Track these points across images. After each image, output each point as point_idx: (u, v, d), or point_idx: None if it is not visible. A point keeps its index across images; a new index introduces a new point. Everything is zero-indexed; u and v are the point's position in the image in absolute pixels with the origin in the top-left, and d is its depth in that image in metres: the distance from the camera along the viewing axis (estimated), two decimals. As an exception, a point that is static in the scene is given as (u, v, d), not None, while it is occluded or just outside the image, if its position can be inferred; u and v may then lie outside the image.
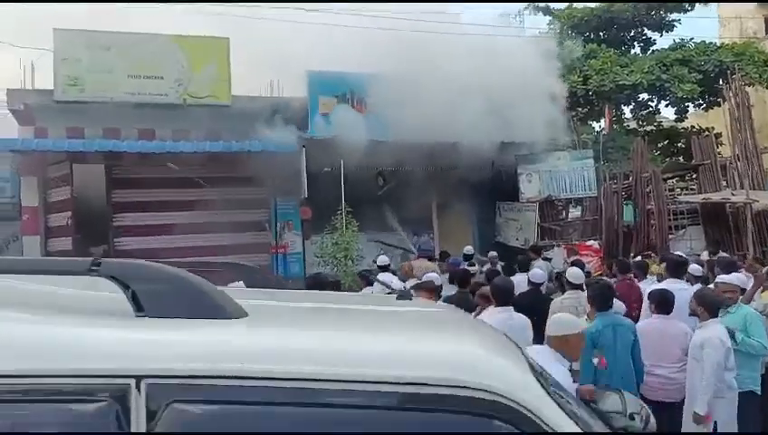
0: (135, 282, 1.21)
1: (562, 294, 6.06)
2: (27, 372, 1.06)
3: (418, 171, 12.48)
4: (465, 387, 1.16)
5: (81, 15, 10.80)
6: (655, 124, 20.69)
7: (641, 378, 4.55)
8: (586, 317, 4.84)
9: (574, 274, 5.93)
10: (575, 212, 14.44)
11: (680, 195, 13.98)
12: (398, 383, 1.15)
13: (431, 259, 9.77)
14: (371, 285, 7.05)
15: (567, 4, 19.82)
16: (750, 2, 21.44)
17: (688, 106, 18.99)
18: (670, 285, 5.54)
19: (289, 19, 11.56)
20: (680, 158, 18.61)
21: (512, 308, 4.91)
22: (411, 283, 6.55)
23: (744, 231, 11.52)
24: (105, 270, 1.20)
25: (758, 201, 11.34)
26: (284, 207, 12.00)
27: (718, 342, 4.27)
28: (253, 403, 1.10)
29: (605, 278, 7.49)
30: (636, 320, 5.29)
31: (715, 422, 4.26)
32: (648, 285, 6.47)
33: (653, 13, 19.35)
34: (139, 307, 1.20)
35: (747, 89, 14.46)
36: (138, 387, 1.06)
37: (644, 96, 18.91)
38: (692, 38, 18.44)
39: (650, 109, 20.20)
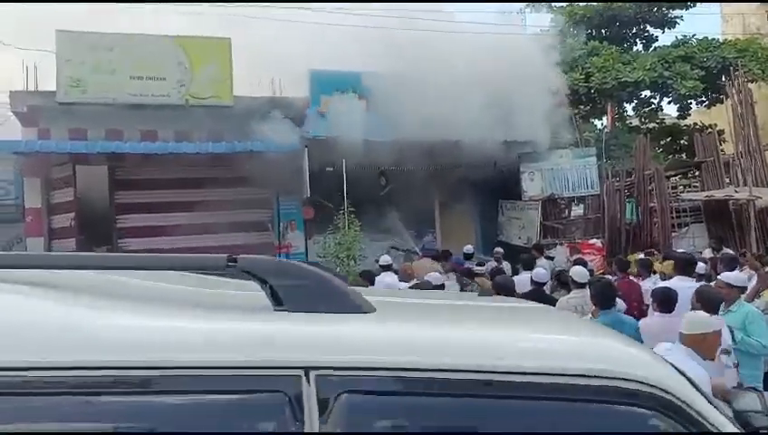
0: (272, 277, 1.24)
1: (560, 292, 6.06)
2: (204, 364, 1.08)
3: (421, 170, 12.48)
4: (623, 379, 1.19)
5: (83, 17, 10.83)
6: (657, 121, 20.64)
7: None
8: (590, 316, 4.85)
9: (579, 272, 5.93)
10: (578, 210, 14.43)
11: (683, 192, 13.95)
12: (555, 374, 1.17)
13: (436, 259, 9.78)
14: (373, 284, 7.07)
15: (567, 3, 19.79)
16: (752, 1, 21.36)
17: (691, 103, 18.95)
18: (679, 282, 5.51)
19: (290, 18, 11.57)
20: (683, 155, 18.60)
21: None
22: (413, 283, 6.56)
23: (748, 228, 11.50)
24: (241, 266, 1.22)
25: (761, 198, 11.32)
26: (287, 206, 12.03)
27: None
28: (418, 394, 1.13)
29: (608, 277, 7.49)
30: (637, 318, 5.29)
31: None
32: (651, 284, 6.47)
33: (655, 9, 19.29)
34: (278, 302, 1.22)
35: (750, 85, 14.42)
36: (307, 378, 1.08)
37: (646, 93, 18.85)
38: (694, 35, 18.41)
39: (653, 106, 20.14)
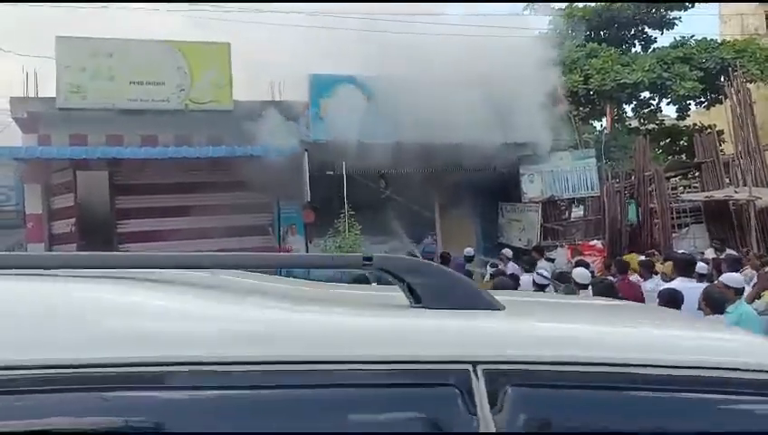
0: (409, 275, 1.27)
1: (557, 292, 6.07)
2: (379, 359, 1.11)
3: (420, 173, 12.50)
4: None
5: (82, 23, 10.87)
6: (657, 123, 20.67)
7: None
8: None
9: (581, 274, 5.94)
10: (578, 212, 14.44)
11: (683, 193, 13.97)
12: (711, 368, 1.18)
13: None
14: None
15: (567, 3, 19.83)
16: (750, 1, 21.40)
17: (690, 104, 18.98)
18: (681, 283, 5.53)
19: (288, 22, 11.61)
20: (683, 156, 18.62)
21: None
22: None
23: (748, 228, 11.51)
24: (378, 264, 1.25)
25: (761, 198, 11.33)
26: (287, 210, 12.04)
27: None
28: (585, 388, 1.15)
29: (609, 278, 7.49)
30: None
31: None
32: (654, 284, 6.47)
33: (653, 11, 19.34)
34: (417, 299, 1.25)
35: (749, 86, 14.45)
36: (475, 372, 1.10)
37: (645, 94, 18.90)
38: (693, 35, 18.45)
39: (652, 107, 20.18)
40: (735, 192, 11.84)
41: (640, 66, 16.97)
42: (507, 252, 10.51)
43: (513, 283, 6.48)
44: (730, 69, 14.70)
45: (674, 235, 12.63)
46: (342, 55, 11.43)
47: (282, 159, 10.57)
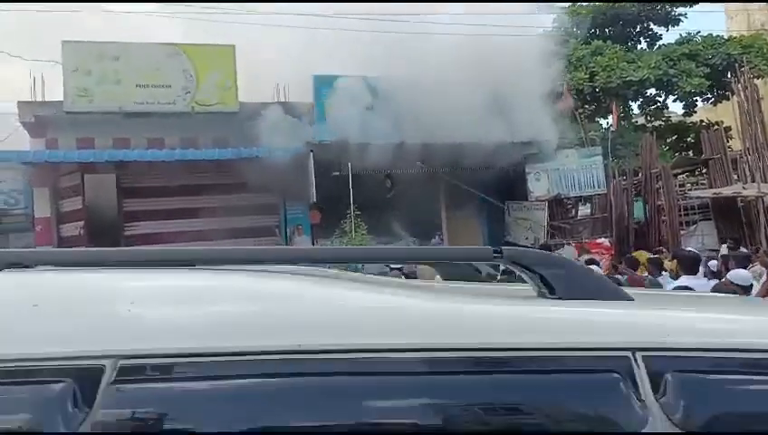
0: (541, 267, 1.31)
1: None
2: (549, 346, 1.16)
3: (426, 172, 12.49)
4: None
5: (89, 26, 10.92)
6: (663, 119, 20.56)
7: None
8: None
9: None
10: (585, 210, 14.39)
11: (691, 190, 13.89)
12: None
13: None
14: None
15: (570, 3, 19.75)
16: (756, 1, 21.27)
17: (697, 100, 18.87)
18: (689, 281, 5.50)
19: (292, 24, 11.62)
20: (690, 152, 18.50)
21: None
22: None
23: (757, 225, 11.43)
24: (508, 256, 1.29)
25: (770, 194, 11.24)
26: (294, 211, 12.06)
27: None
28: (744, 373, 1.19)
29: (617, 276, 7.46)
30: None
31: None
32: (663, 282, 6.43)
33: (659, 7, 19.24)
34: (551, 290, 1.29)
35: (756, 81, 14.34)
36: (635, 359, 1.14)
37: (651, 91, 18.81)
38: (699, 32, 18.33)
39: (658, 104, 20.06)
40: (744, 189, 11.76)
41: (646, 63, 16.89)
42: None
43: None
44: (737, 65, 14.59)
45: (682, 232, 12.56)
46: (347, 56, 11.44)
47: (287, 159, 10.59)
